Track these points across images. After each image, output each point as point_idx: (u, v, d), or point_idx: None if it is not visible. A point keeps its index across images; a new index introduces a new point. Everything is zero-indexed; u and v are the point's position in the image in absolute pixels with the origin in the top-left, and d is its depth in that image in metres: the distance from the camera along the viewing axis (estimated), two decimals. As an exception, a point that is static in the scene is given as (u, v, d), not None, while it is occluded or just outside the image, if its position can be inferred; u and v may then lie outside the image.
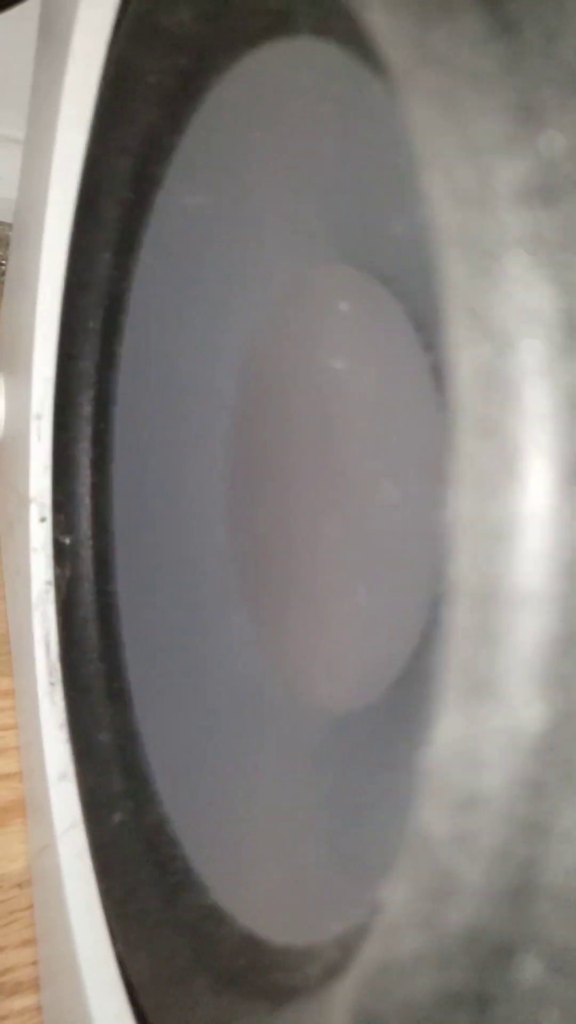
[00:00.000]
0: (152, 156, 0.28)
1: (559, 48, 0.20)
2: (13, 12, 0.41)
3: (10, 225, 0.45)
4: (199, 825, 0.27)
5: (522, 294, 0.19)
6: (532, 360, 0.18)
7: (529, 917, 0.18)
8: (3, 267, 0.56)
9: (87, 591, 0.32)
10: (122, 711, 0.30)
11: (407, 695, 0.21)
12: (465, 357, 0.19)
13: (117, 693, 0.31)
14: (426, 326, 0.21)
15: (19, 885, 0.41)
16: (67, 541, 0.33)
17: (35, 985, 0.40)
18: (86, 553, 0.33)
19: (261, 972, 0.21)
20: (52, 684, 0.39)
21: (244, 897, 0.24)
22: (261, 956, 0.22)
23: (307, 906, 0.21)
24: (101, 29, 0.39)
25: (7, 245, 0.47)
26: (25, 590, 0.40)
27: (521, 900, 0.19)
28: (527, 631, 0.19)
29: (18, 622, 0.42)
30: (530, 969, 0.19)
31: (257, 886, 0.24)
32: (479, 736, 0.18)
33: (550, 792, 0.19)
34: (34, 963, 0.40)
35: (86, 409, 0.32)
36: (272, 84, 0.23)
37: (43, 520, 0.38)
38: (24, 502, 0.40)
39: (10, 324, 0.45)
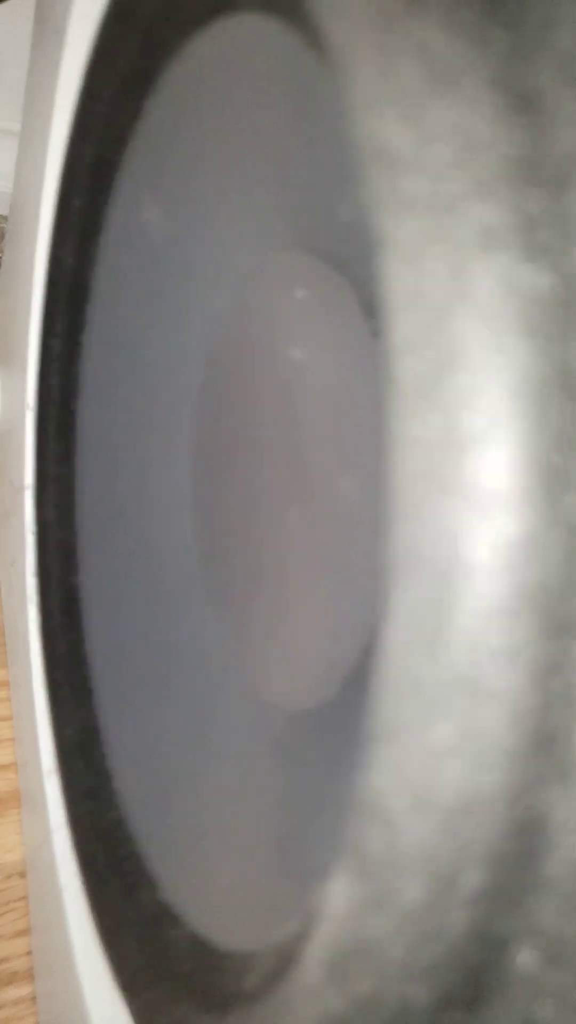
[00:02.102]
0: (110, 142, 0.28)
1: (506, 17, 0.19)
2: (8, 2, 0.41)
3: (5, 217, 0.45)
4: (154, 823, 0.27)
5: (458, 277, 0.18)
6: (471, 340, 0.18)
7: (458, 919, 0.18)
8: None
9: (56, 582, 0.32)
10: (85, 706, 0.30)
11: (357, 692, 0.21)
12: (400, 339, 0.18)
13: (80, 688, 0.30)
14: (375, 312, 0.21)
15: (14, 875, 0.41)
16: (44, 531, 0.33)
17: (29, 975, 0.40)
18: (52, 544, 0.32)
19: (208, 976, 0.21)
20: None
21: (194, 898, 0.23)
22: (207, 960, 0.21)
23: (252, 909, 0.21)
24: (97, 20, 0.38)
25: (3, 237, 0.47)
26: (20, 580, 0.40)
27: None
28: (470, 628, 0.18)
29: (12, 612, 0.42)
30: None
31: (207, 887, 0.23)
32: (409, 743, 0.18)
33: (490, 792, 0.18)
34: (28, 953, 0.40)
35: (56, 400, 0.32)
36: (220, 65, 0.22)
37: (36, 511, 0.38)
38: (20, 491, 0.40)
39: (6, 316, 0.45)
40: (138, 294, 0.29)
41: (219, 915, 0.22)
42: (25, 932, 0.41)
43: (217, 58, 0.23)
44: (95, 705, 0.30)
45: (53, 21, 0.41)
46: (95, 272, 0.30)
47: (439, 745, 0.18)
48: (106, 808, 0.28)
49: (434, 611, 0.18)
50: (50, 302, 0.32)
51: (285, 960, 0.19)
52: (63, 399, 0.32)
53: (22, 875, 0.41)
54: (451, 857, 0.18)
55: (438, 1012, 0.18)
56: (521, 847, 0.18)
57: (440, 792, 0.18)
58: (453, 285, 0.18)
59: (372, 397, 0.21)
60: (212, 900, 0.23)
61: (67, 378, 0.31)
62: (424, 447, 0.18)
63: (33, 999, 0.40)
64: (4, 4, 0.41)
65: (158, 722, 0.28)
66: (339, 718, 0.21)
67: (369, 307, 0.22)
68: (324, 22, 0.19)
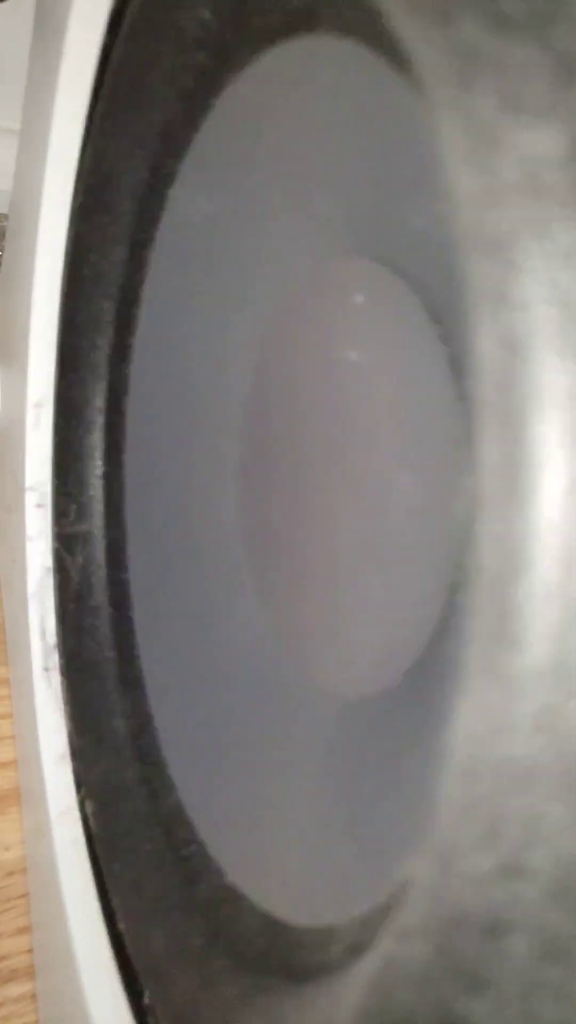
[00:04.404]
0: (167, 151, 0.28)
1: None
2: (8, 2, 0.41)
3: (6, 216, 0.45)
4: (215, 810, 0.27)
5: (541, 284, 0.19)
6: (552, 353, 0.19)
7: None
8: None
9: (99, 579, 0.33)
10: (136, 698, 0.31)
11: (425, 680, 0.22)
12: (485, 349, 0.19)
13: (130, 680, 0.31)
14: (443, 318, 0.22)
15: (14, 873, 0.41)
16: (80, 529, 0.33)
17: (31, 973, 0.40)
18: (98, 541, 0.33)
19: (281, 953, 0.22)
20: (47, 670, 0.39)
21: (262, 880, 0.24)
22: (280, 937, 0.22)
23: (327, 888, 0.22)
24: (97, 19, 0.39)
25: (3, 236, 0.46)
26: (21, 578, 0.40)
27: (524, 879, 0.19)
28: (544, 619, 0.19)
29: (13, 610, 0.42)
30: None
31: (275, 869, 0.24)
32: (497, 720, 0.19)
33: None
34: (30, 951, 0.40)
35: (98, 400, 0.32)
36: (291, 80, 0.23)
37: (39, 507, 0.38)
38: (21, 490, 0.40)
39: (6, 314, 0.44)
40: (189, 299, 0.30)
41: (290, 894, 0.23)
42: (26, 929, 0.41)
43: (287, 74, 0.23)
44: (146, 697, 0.30)
45: (53, 21, 0.41)
46: (146, 276, 0.30)
47: (523, 726, 0.19)
48: (162, 797, 0.28)
49: (512, 591, 0.19)
50: (89, 305, 0.32)
51: (367, 931, 0.20)
52: (109, 400, 0.32)
53: (23, 872, 0.41)
54: (521, 835, 0.19)
55: (537, 965, 0.19)
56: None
57: (520, 768, 0.19)
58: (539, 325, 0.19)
59: (437, 404, 0.22)
60: (281, 880, 0.24)
61: (113, 378, 0.32)
62: (502, 457, 0.19)
63: (34, 996, 0.40)
64: (4, 4, 0.41)
65: (211, 713, 0.29)
66: (407, 703, 0.22)
67: (436, 313, 0.23)
68: (405, 43, 0.20)
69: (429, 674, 0.22)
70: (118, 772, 0.30)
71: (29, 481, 0.40)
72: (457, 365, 0.22)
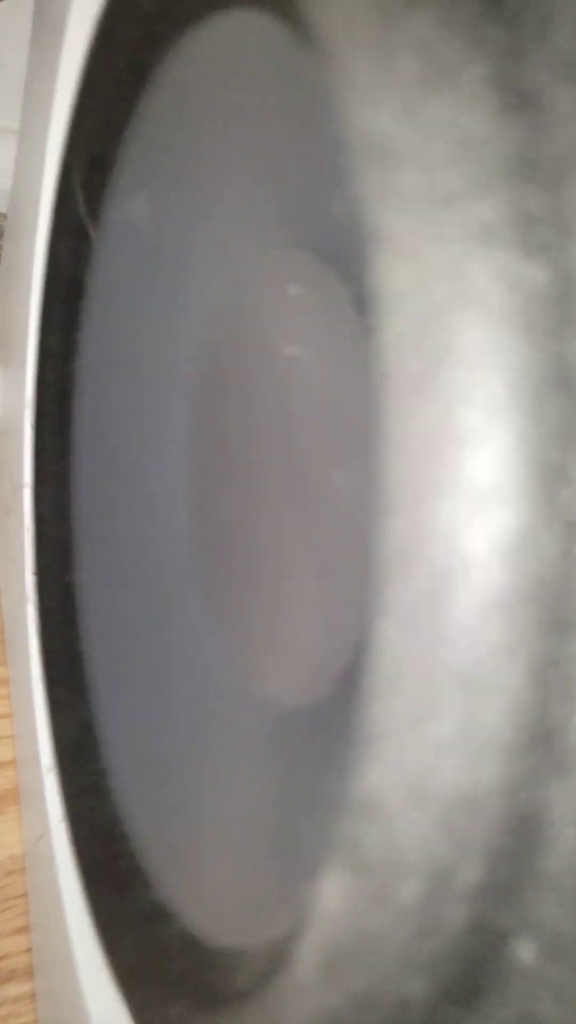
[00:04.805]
0: (108, 140, 0.28)
1: (504, 14, 0.19)
2: (8, 2, 0.41)
3: (5, 215, 0.45)
4: (149, 821, 0.27)
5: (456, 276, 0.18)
6: (467, 336, 0.18)
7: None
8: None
9: (54, 581, 0.32)
10: (83, 703, 0.30)
11: (351, 690, 0.21)
12: (395, 335, 0.18)
13: (78, 685, 0.30)
14: (369, 308, 0.21)
15: (13, 872, 0.41)
16: (43, 529, 0.33)
17: (29, 973, 0.40)
18: (49, 543, 0.32)
19: (200, 974, 0.21)
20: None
21: (187, 896, 0.23)
22: (200, 957, 0.21)
23: (245, 907, 0.21)
24: (95, 17, 0.38)
25: (2, 235, 0.47)
26: (20, 578, 0.40)
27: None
28: (467, 623, 0.18)
29: (12, 610, 0.43)
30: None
31: (200, 886, 0.23)
32: (405, 739, 0.18)
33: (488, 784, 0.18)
34: (28, 951, 0.40)
35: (52, 398, 0.32)
36: (212, 61, 0.22)
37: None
38: (18, 490, 0.40)
39: (5, 314, 0.45)
40: (133, 291, 0.29)
41: (211, 913, 0.22)
42: (24, 929, 0.41)
43: (210, 54, 0.22)
44: (91, 702, 0.30)
45: (52, 20, 0.41)
46: (91, 269, 0.30)
47: (436, 741, 0.18)
48: (102, 805, 0.28)
49: (430, 606, 0.18)
50: (46, 299, 0.32)
51: (278, 957, 0.19)
52: (59, 396, 0.32)
53: (21, 872, 0.41)
54: (448, 852, 0.18)
55: (436, 1008, 0.18)
56: (519, 842, 0.18)
57: (436, 787, 0.18)
58: (449, 281, 0.18)
59: (366, 393, 0.21)
60: (205, 898, 0.23)
61: (63, 375, 0.31)
62: (419, 442, 0.18)
63: (32, 996, 0.40)
64: (4, 4, 0.41)
65: (154, 719, 0.28)
66: (333, 715, 0.21)
67: (362, 303, 0.22)
68: (318, 17, 0.19)
69: (356, 683, 0.21)
70: (71, 779, 0.29)
71: (27, 480, 0.40)
72: (381, 355, 0.21)
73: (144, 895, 0.25)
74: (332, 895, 0.18)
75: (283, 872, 0.20)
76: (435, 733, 0.18)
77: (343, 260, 0.21)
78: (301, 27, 0.19)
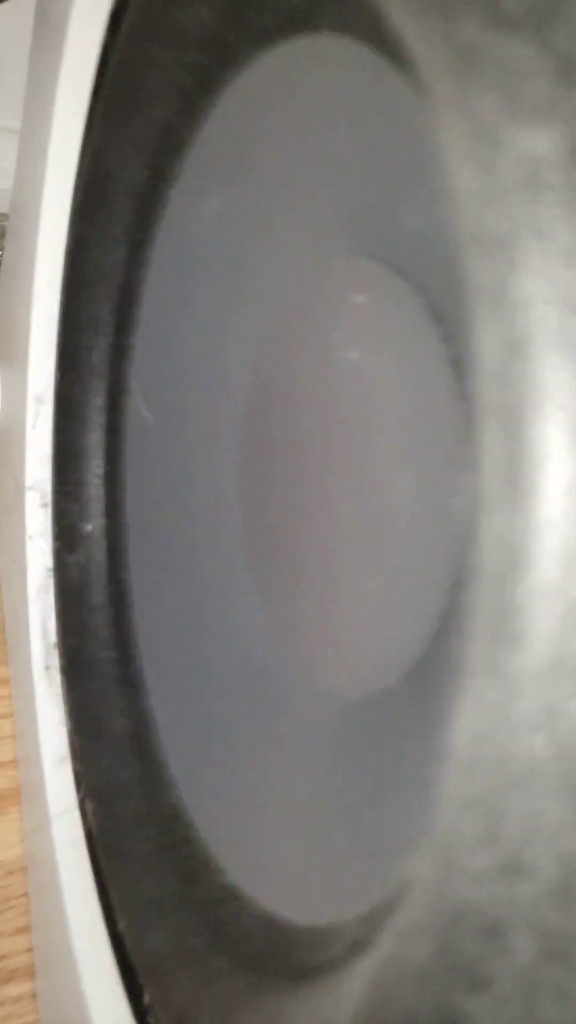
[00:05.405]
0: (168, 151, 0.28)
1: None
2: (8, 2, 0.41)
3: (6, 215, 0.45)
4: (215, 810, 0.27)
5: (541, 283, 0.19)
6: (553, 351, 0.19)
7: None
8: (-1, 256, 0.56)
9: (100, 578, 0.33)
10: (136, 697, 0.31)
11: (425, 679, 0.22)
12: (486, 349, 0.19)
13: (130, 679, 0.31)
14: (445, 318, 0.22)
15: (14, 872, 0.41)
16: (81, 528, 0.33)
17: (30, 972, 0.40)
18: (99, 540, 0.33)
19: (282, 952, 0.22)
20: (47, 668, 0.39)
21: (262, 879, 0.24)
22: (280, 936, 0.22)
23: (327, 886, 0.22)
24: (97, 17, 0.39)
25: (3, 235, 0.46)
26: (22, 577, 0.40)
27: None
28: (544, 618, 0.19)
29: (13, 609, 0.42)
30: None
31: (275, 868, 0.24)
32: (497, 718, 0.19)
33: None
34: (29, 950, 0.40)
35: (98, 399, 0.32)
36: (292, 80, 0.23)
37: (41, 507, 0.38)
38: (21, 489, 0.40)
39: (6, 313, 0.44)
40: (190, 298, 0.30)
41: (291, 893, 0.23)
42: (25, 929, 0.41)
43: (288, 72, 0.23)
44: (147, 697, 0.30)
45: (53, 20, 0.41)
46: (146, 275, 0.30)
47: (523, 725, 0.19)
48: (162, 797, 0.28)
49: (513, 589, 0.19)
50: (88, 305, 0.32)
51: (369, 929, 0.20)
52: (110, 399, 0.32)
53: (22, 872, 0.41)
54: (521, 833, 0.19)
55: (537, 964, 0.19)
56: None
57: (520, 766, 0.19)
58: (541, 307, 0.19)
59: (438, 396, 0.22)
60: (282, 879, 0.24)
61: (113, 378, 0.32)
62: (503, 455, 0.19)
63: (33, 996, 0.40)
64: (4, 4, 0.41)
65: (212, 712, 0.29)
66: (408, 701, 0.22)
67: (437, 313, 0.23)
68: (406, 42, 0.20)
69: (429, 673, 0.22)
70: (117, 771, 0.30)
71: (29, 480, 0.40)
72: (458, 365, 0.22)
73: (218, 880, 0.25)
74: (426, 868, 0.19)
75: (368, 851, 0.21)
76: (516, 718, 0.19)
77: (414, 273, 0.22)
78: (388, 50, 0.20)
